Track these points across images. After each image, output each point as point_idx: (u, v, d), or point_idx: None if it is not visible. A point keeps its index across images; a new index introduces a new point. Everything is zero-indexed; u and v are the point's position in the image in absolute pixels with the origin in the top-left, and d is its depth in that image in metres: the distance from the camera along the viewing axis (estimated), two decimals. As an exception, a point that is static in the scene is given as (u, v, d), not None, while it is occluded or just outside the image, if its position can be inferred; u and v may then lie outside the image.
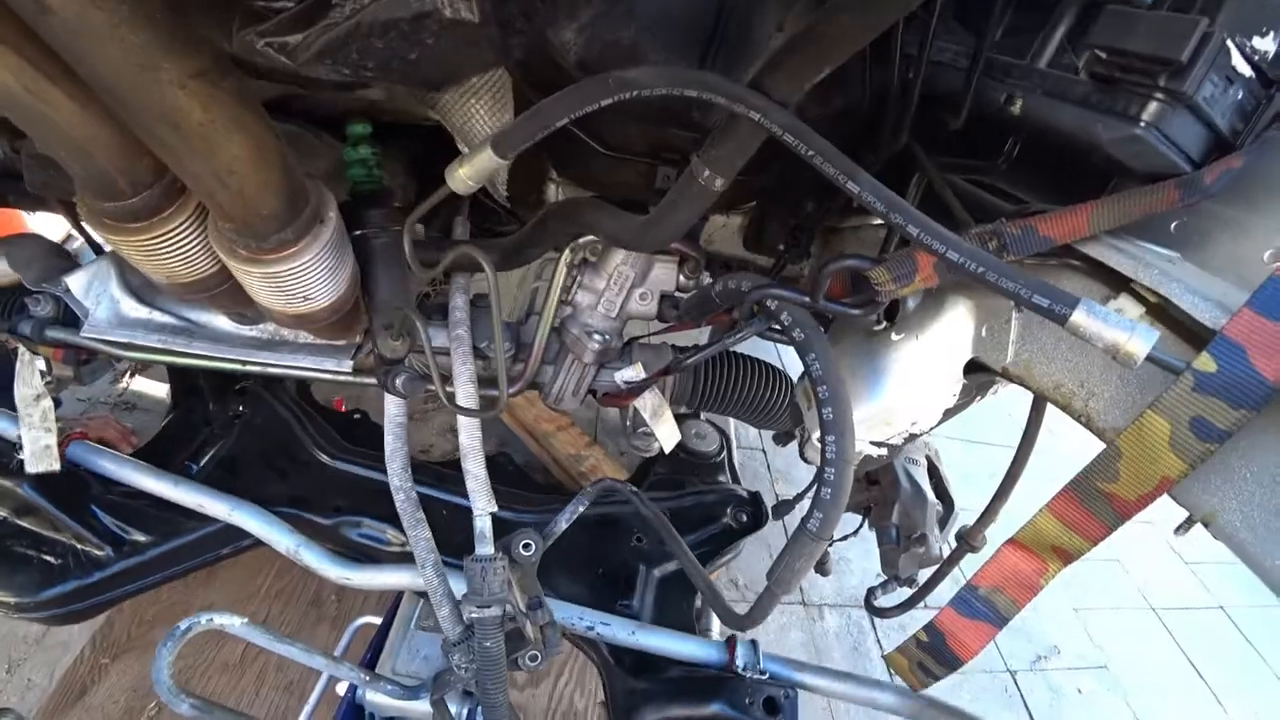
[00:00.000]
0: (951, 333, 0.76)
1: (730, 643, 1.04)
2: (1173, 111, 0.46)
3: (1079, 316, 0.46)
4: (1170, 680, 2.21)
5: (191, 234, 0.65)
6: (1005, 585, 0.59)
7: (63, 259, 1.02)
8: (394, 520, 0.95)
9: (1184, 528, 0.58)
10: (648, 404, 0.95)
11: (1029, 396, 0.88)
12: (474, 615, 0.81)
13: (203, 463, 1.25)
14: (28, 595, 1.07)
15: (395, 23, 0.37)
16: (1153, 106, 0.46)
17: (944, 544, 1.27)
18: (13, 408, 1.01)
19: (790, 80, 0.52)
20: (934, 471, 1.27)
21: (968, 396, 0.85)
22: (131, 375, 2.21)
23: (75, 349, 1.00)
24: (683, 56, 0.66)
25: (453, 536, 0.99)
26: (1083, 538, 0.53)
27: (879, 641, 1.91)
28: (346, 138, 0.81)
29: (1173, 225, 0.59)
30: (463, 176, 0.58)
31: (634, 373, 0.92)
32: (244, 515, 1.05)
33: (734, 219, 1.03)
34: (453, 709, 0.98)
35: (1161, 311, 0.54)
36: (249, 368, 0.95)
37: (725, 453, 1.54)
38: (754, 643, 1.04)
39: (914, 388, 0.79)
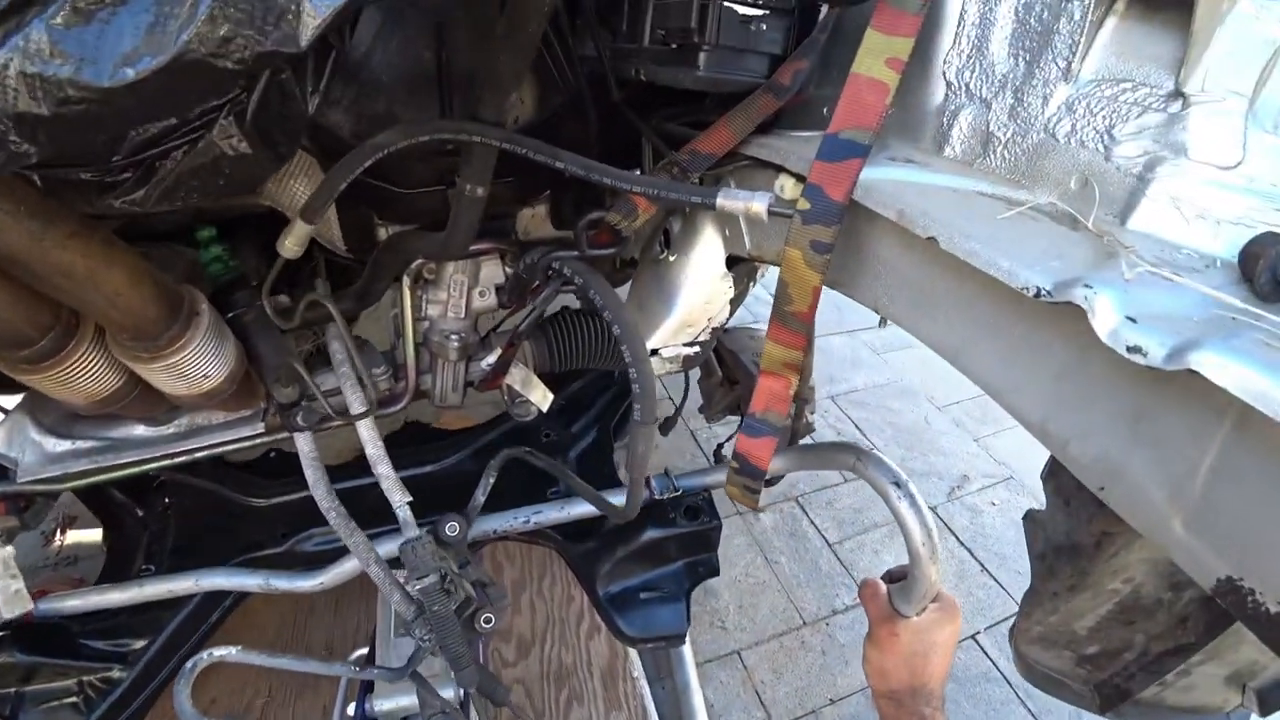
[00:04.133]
0: (707, 242, 0.98)
1: (646, 480, 1.25)
2: (715, 53, 0.69)
3: (721, 200, 0.69)
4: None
5: (95, 356, 0.81)
6: (770, 404, 0.82)
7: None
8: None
9: (882, 321, 0.82)
10: (516, 378, 1.15)
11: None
12: (417, 588, 0.99)
13: (158, 561, 1.36)
14: None
15: (201, 168, 0.55)
16: (702, 56, 0.69)
17: (809, 414, 1.51)
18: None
19: (491, 106, 0.73)
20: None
21: (742, 285, 1.07)
22: (62, 533, 2.27)
23: (15, 498, 1.13)
24: (427, 107, 0.86)
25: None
26: (795, 349, 0.76)
27: (813, 523, 2.17)
28: (198, 244, 0.98)
29: (825, 110, 0.82)
30: (289, 245, 0.77)
31: (494, 356, 1.12)
32: (210, 578, 1.17)
33: (539, 208, 1.24)
34: (448, 695, 1.14)
35: (802, 179, 0.77)
36: (178, 459, 1.10)
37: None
38: (666, 471, 1.26)
39: (698, 292, 1.01)
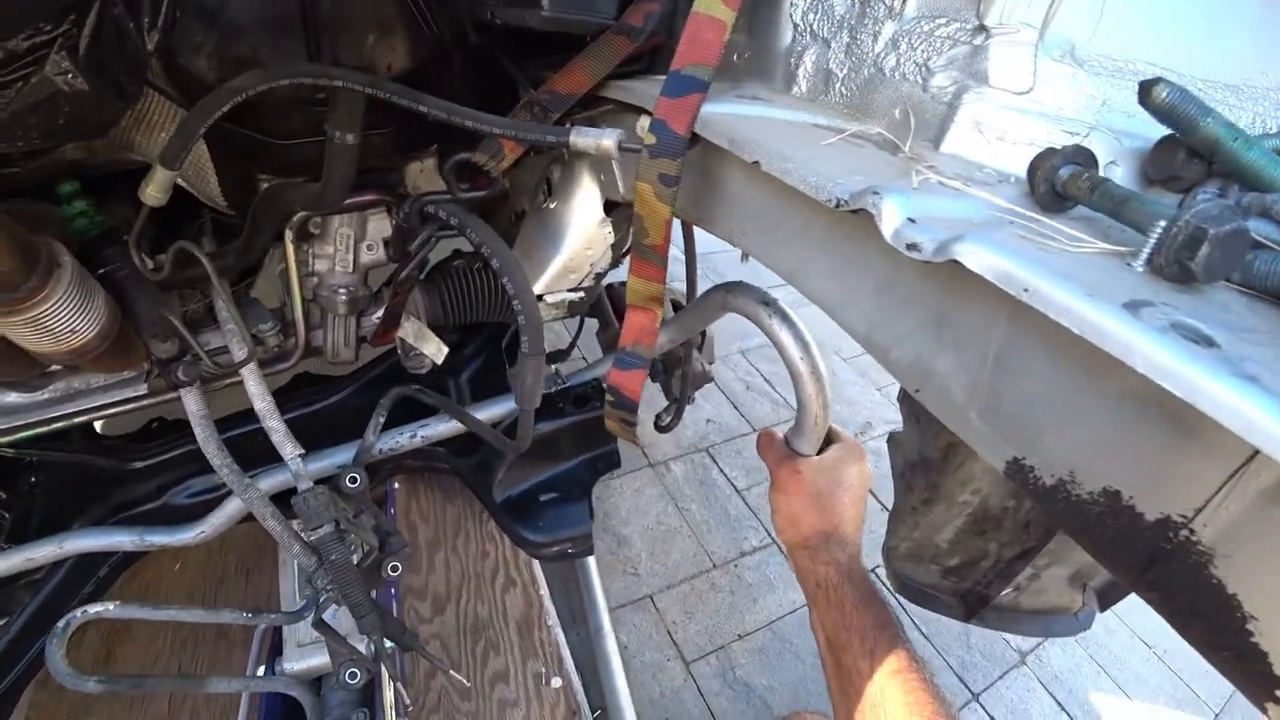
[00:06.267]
0: (584, 188, 1.01)
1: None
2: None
3: (574, 138, 0.72)
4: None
5: (-50, 318, 0.79)
6: (638, 338, 0.86)
7: None
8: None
9: (744, 257, 0.87)
10: (409, 330, 1.16)
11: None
12: (313, 538, 1.00)
13: (25, 538, 1.28)
14: None
15: (38, 105, 0.55)
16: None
17: (704, 363, 1.58)
18: None
19: (354, 50, 0.74)
20: (678, 307, 1.55)
21: (621, 230, 1.11)
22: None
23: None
24: (292, 51, 0.86)
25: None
26: (656, 282, 0.81)
27: (722, 471, 2.25)
28: (59, 200, 0.96)
29: None
30: (151, 193, 0.77)
31: (382, 309, 1.13)
32: (76, 540, 1.13)
33: (428, 161, 1.24)
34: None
35: (657, 118, 0.81)
36: (56, 425, 1.08)
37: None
38: (556, 371, 1.28)
39: (578, 238, 1.04)
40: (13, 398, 1.06)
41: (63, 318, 0.82)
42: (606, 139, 0.71)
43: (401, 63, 0.96)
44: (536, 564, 1.73)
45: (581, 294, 1.10)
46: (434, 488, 1.88)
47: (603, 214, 1.03)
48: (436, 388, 1.36)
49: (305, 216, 1.04)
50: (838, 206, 0.56)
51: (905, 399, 0.99)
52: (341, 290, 1.08)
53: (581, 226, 1.04)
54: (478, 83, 1.02)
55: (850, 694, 0.79)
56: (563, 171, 1.05)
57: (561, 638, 1.65)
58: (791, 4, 0.80)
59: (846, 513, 0.89)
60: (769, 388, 2.64)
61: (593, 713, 1.60)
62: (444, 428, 1.21)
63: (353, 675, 1.07)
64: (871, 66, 0.75)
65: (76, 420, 1.07)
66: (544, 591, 1.67)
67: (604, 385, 0.91)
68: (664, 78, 0.85)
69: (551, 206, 1.05)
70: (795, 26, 0.81)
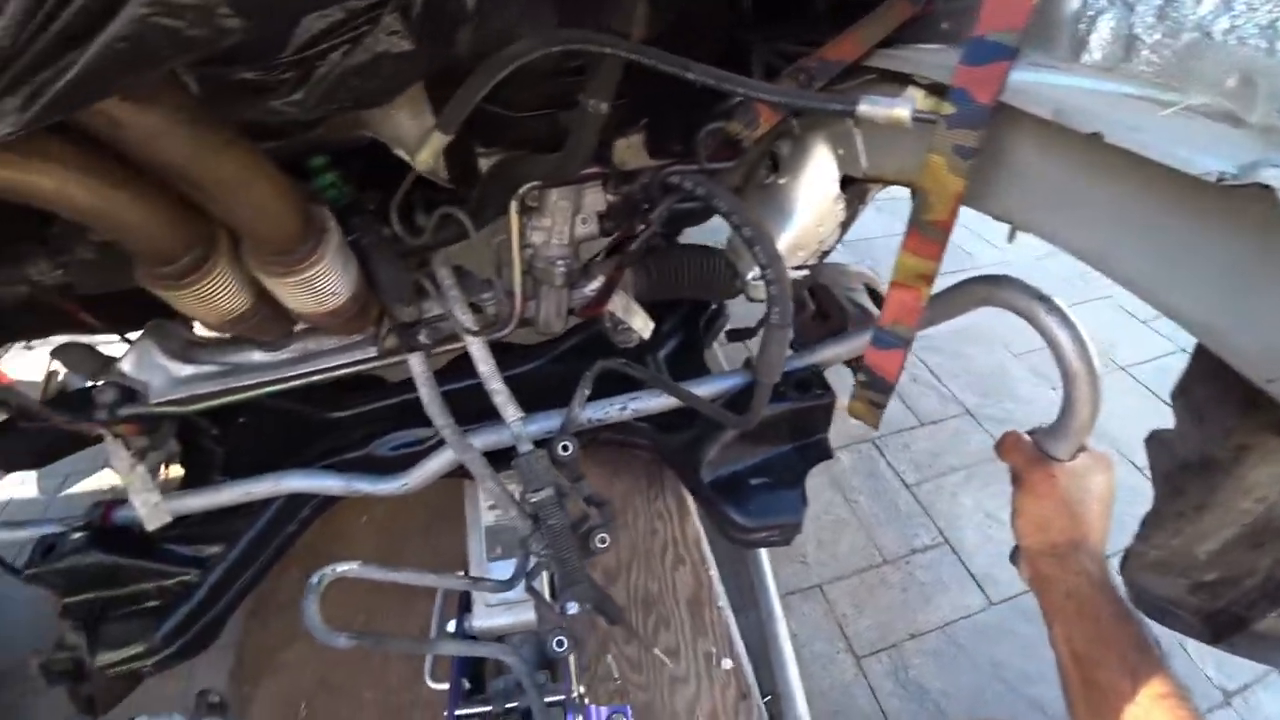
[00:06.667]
0: (819, 163, 0.97)
1: (748, 363, 1.19)
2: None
3: (863, 107, 0.67)
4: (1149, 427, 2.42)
5: (231, 273, 0.84)
6: (899, 317, 0.81)
7: (101, 356, 1.19)
8: (415, 424, 1.15)
9: (1011, 235, 0.80)
10: (618, 305, 1.16)
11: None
12: (534, 500, 1.01)
13: (235, 474, 1.36)
14: (149, 638, 1.20)
15: (362, 67, 0.56)
16: None
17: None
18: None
19: (623, 18, 0.73)
20: (874, 293, 1.48)
21: (853, 208, 1.05)
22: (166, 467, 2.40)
23: (146, 419, 1.19)
24: (546, 21, 0.85)
25: (480, 408, 1.14)
26: (931, 259, 0.75)
27: (890, 465, 2.16)
28: (311, 173, 1.01)
29: (944, 24, 0.80)
30: (424, 159, 0.79)
31: (596, 283, 1.13)
32: (289, 480, 1.20)
33: (635, 137, 1.23)
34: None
35: (934, 88, 0.75)
36: (293, 383, 1.15)
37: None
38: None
39: (809, 215, 1.00)
40: (258, 356, 1.14)
41: (329, 280, 0.86)
42: (899, 108, 0.66)
43: (640, 31, 0.94)
44: (705, 544, 1.71)
45: (805, 272, 1.05)
46: (602, 463, 1.90)
47: (838, 190, 0.98)
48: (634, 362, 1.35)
49: (529, 189, 1.04)
50: (1220, 181, 0.49)
51: (1183, 394, 0.89)
52: (559, 262, 1.08)
53: (814, 203, 0.99)
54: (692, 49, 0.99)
55: (1105, 713, 0.75)
56: (793, 146, 1.00)
57: (732, 619, 1.63)
58: (1088, -39, 0.72)
59: (1096, 523, 0.86)
60: (935, 381, 2.51)
61: (763, 697, 1.58)
62: (654, 402, 1.19)
63: (560, 643, 1.09)
64: (1194, 30, 0.66)
65: (312, 379, 1.13)
66: (714, 572, 1.66)
67: (857, 364, 0.87)
68: (935, 46, 0.80)
69: (780, 182, 1.00)
70: (1090, -13, 0.72)
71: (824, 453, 1.23)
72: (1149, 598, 1.10)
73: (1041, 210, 0.70)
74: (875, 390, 0.88)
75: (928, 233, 0.73)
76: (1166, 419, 0.84)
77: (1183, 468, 0.93)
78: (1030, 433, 0.94)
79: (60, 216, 0.90)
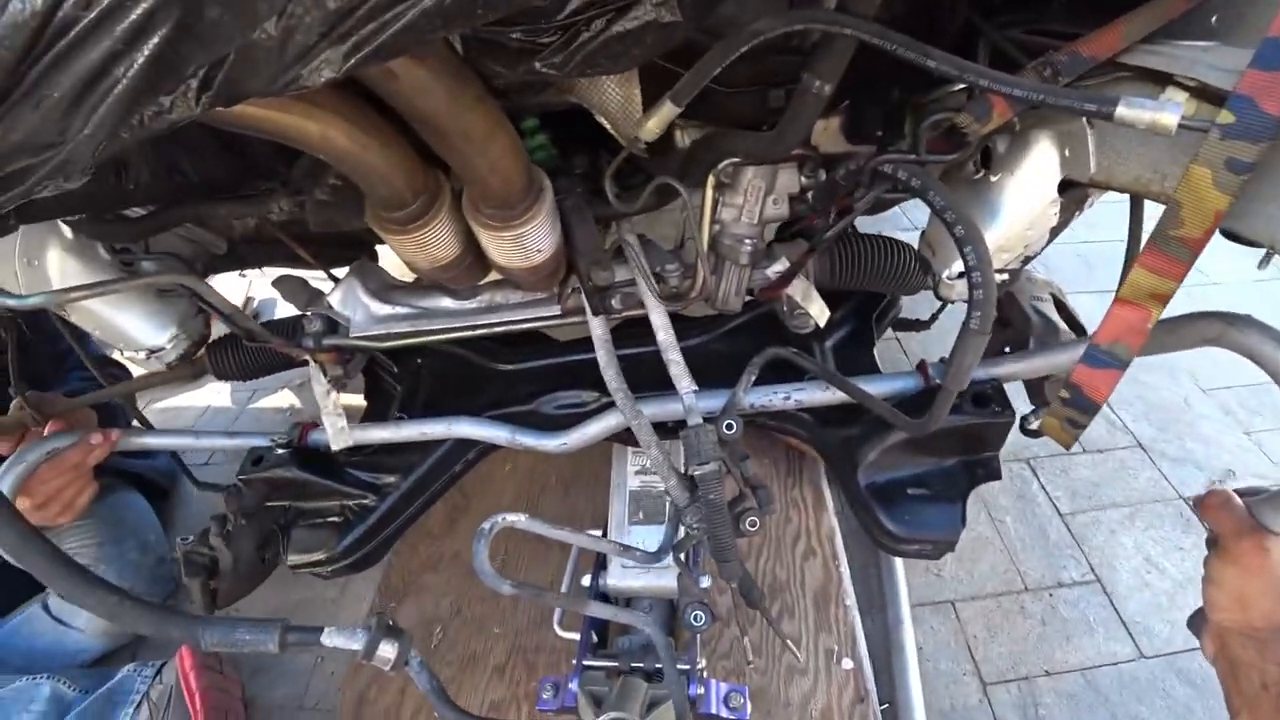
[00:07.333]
0: (1040, 162, 0.91)
1: (922, 366, 1.17)
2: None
3: (1121, 109, 0.63)
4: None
5: (448, 224, 0.90)
6: (1120, 336, 0.76)
7: (312, 289, 1.31)
8: (579, 385, 1.19)
9: (1265, 261, 0.74)
10: (798, 289, 1.15)
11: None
12: (696, 473, 1.03)
13: (410, 411, 1.50)
14: (331, 549, 1.34)
15: (626, 35, 0.58)
16: None
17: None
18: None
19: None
20: (1060, 305, 1.40)
21: (1068, 213, 0.99)
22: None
23: (344, 350, 1.30)
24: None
25: (640, 380, 1.15)
26: (1171, 279, 0.70)
27: (1043, 488, 2.04)
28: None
29: (1213, 19, 0.73)
30: (650, 127, 0.82)
31: (780, 265, 1.12)
32: (461, 425, 1.27)
33: (832, 120, 1.20)
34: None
35: (1201, 92, 0.69)
36: (479, 331, 1.21)
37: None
38: (943, 359, 1.14)
39: (1020, 216, 0.95)
40: (448, 303, 1.21)
41: (539, 236, 0.91)
42: (1167, 114, 0.61)
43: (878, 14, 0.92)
44: (839, 539, 1.68)
45: (1006, 276, 1.00)
46: (744, 444, 1.90)
47: (1056, 193, 0.93)
48: (800, 349, 1.33)
49: (726, 164, 1.05)
50: None
51: None
52: (746, 241, 1.08)
53: (1026, 204, 0.94)
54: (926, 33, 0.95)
55: None
56: (1011, 142, 0.95)
57: (857, 620, 1.60)
58: None
59: None
60: (1106, 408, 2.33)
61: (880, 704, 1.55)
62: (820, 395, 1.18)
63: (698, 618, 1.11)
64: None
65: (496, 330, 1.19)
66: (844, 569, 1.63)
67: (1067, 381, 0.82)
68: (1198, 44, 0.74)
69: (993, 179, 0.96)
70: None
71: (992, 473, 1.17)
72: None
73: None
74: (1077, 409, 0.83)
75: (1172, 249, 0.67)
76: None
77: None
78: (1242, 494, 0.86)
79: (300, 158, 1.00)
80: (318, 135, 0.69)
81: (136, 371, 1.52)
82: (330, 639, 0.81)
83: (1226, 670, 0.80)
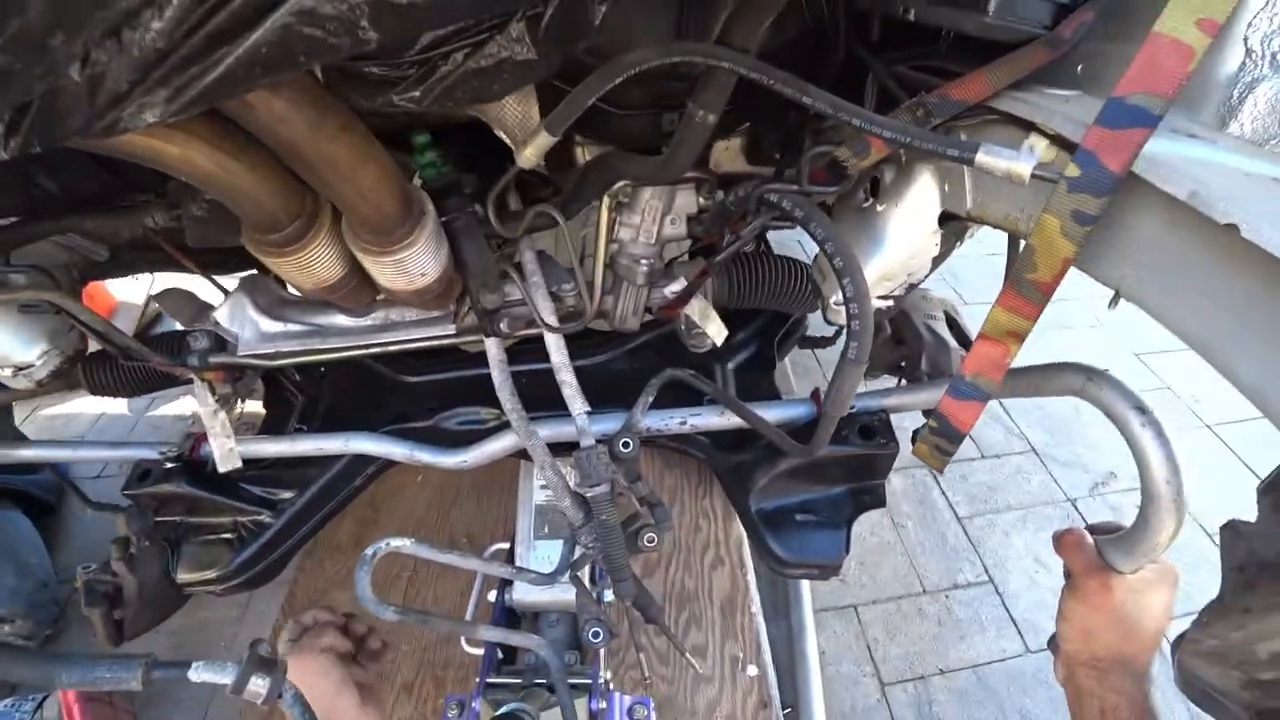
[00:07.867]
0: (923, 195, 0.94)
1: (815, 395, 1.18)
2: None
3: (981, 156, 0.65)
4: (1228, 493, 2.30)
5: (329, 245, 0.87)
6: (983, 370, 0.79)
7: (199, 302, 1.25)
8: (485, 400, 1.16)
9: (1113, 302, 0.77)
10: (695, 308, 1.16)
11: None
12: (589, 495, 1.02)
13: (311, 424, 1.47)
14: (223, 567, 1.29)
15: (482, 71, 0.57)
16: (993, 2, 0.65)
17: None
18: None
19: (745, 34, 0.72)
20: (953, 323, 1.45)
21: (949, 244, 1.02)
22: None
23: (232, 368, 1.25)
24: (664, 30, 0.85)
25: (544, 393, 1.15)
26: (1025, 319, 0.73)
27: (944, 494, 2.12)
28: (414, 149, 1.03)
29: (1079, 68, 0.76)
30: (528, 155, 0.80)
31: (678, 285, 1.13)
32: (358, 441, 1.25)
33: (734, 141, 1.21)
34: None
35: (1058, 140, 0.72)
36: (372, 350, 1.18)
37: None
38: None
39: (903, 246, 0.98)
40: (341, 320, 1.17)
41: (421, 261, 0.88)
42: (1020, 164, 0.64)
43: (761, 41, 0.93)
44: (746, 548, 1.71)
45: (890, 303, 1.03)
46: (654, 455, 1.91)
47: (936, 225, 0.96)
48: (701, 370, 1.34)
49: (622, 185, 1.04)
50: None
51: (1271, 491, 0.85)
52: (643, 261, 1.08)
53: (909, 234, 0.97)
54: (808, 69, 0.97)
55: None
56: (896, 174, 0.98)
57: (763, 627, 1.63)
58: (1251, 24, 0.67)
59: (1148, 641, 0.83)
60: (1003, 414, 2.44)
61: (783, 709, 1.58)
62: (715, 420, 1.19)
63: (596, 634, 1.11)
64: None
65: (390, 349, 1.16)
66: (751, 577, 1.66)
67: (935, 410, 0.85)
68: (1061, 93, 0.77)
69: (879, 209, 0.98)
70: (1249, 51, 0.68)
71: (877, 500, 1.20)
72: (1198, 684, 1.05)
73: (1157, 290, 0.67)
74: (945, 438, 0.86)
75: (1026, 292, 0.70)
76: (1245, 484, 0.80)
77: (1260, 565, 0.89)
78: (1093, 530, 0.90)
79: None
80: (177, 157, 0.65)
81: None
82: (198, 674, 0.77)
83: (1073, 695, 0.85)
